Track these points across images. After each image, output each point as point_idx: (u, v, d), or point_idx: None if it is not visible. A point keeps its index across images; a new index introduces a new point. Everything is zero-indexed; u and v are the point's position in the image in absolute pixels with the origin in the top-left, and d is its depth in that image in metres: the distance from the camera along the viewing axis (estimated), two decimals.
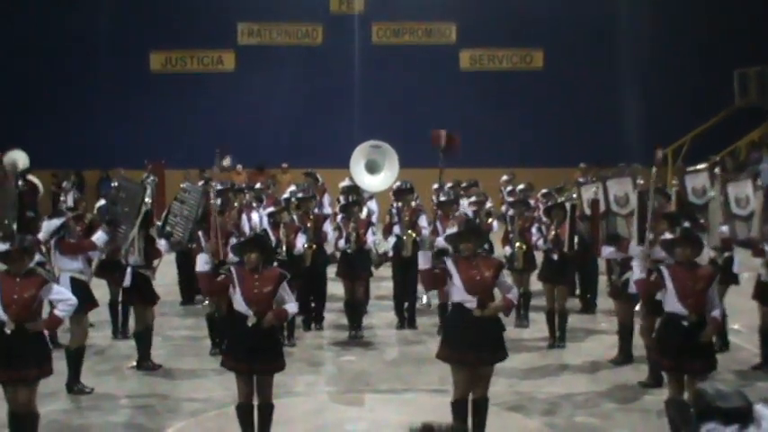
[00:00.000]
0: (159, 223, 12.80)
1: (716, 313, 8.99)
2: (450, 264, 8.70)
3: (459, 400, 8.69)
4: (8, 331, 8.25)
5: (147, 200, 11.69)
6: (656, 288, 9.05)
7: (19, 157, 14.59)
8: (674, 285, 8.85)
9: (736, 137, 27.58)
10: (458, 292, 8.60)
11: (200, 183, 14.38)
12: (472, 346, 8.50)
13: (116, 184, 12.39)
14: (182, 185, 12.76)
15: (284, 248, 13.02)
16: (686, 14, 28.55)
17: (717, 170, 12.66)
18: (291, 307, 8.86)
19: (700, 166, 12.76)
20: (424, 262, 8.84)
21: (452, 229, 9.51)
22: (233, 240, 13.00)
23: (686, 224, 9.78)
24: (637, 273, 9.57)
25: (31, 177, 14.78)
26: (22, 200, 11.53)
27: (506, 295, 8.76)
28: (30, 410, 8.55)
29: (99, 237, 11.23)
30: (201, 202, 12.52)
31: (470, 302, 8.53)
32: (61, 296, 8.71)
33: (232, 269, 8.81)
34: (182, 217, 12.43)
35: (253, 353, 8.52)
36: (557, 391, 10.98)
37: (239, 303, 8.61)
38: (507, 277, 9.20)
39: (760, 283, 11.69)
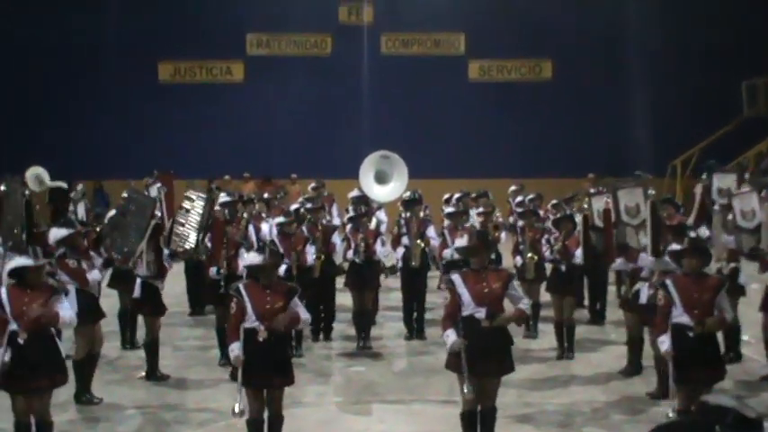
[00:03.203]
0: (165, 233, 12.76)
1: (726, 315, 8.98)
2: (458, 280, 8.67)
3: (467, 411, 8.66)
4: (21, 341, 8.32)
5: (156, 213, 11.72)
6: (669, 308, 8.99)
7: (42, 173, 14.70)
8: (679, 296, 8.85)
9: (744, 148, 27.53)
10: (467, 305, 8.56)
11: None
12: (480, 357, 8.45)
13: (126, 195, 12.42)
14: (186, 193, 12.76)
15: (295, 259, 13.06)
16: (694, 25, 28.53)
17: (747, 175, 12.64)
18: (304, 314, 8.89)
19: (729, 167, 12.72)
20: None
21: (462, 241, 9.42)
22: (242, 251, 13.04)
23: (692, 234, 9.77)
24: (666, 344, 9.03)
25: (56, 183, 14.85)
26: (30, 210, 11.53)
27: (518, 306, 8.77)
28: (44, 419, 8.63)
29: (93, 275, 11.20)
30: (207, 209, 12.54)
31: (479, 313, 8.51)
32: (65, 311, 8.72)
33: (241, 288, 8.69)
34: (189, 226, 12.44)
35: (264, 368, 8.49)
36: (566, 403, 10.96)
37: (250, 320, 8.53)
38: (518, 288, 9.10)
39: None
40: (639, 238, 11.22)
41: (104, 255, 11.69)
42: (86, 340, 11.04)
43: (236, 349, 8.53)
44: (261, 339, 8.46)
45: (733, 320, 11.04)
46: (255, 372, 8.50)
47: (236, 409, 8.43)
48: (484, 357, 8.48)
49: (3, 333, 8.34)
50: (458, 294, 8.60)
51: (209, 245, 13.15)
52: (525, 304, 8.93)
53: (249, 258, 9.06)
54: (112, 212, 13.37)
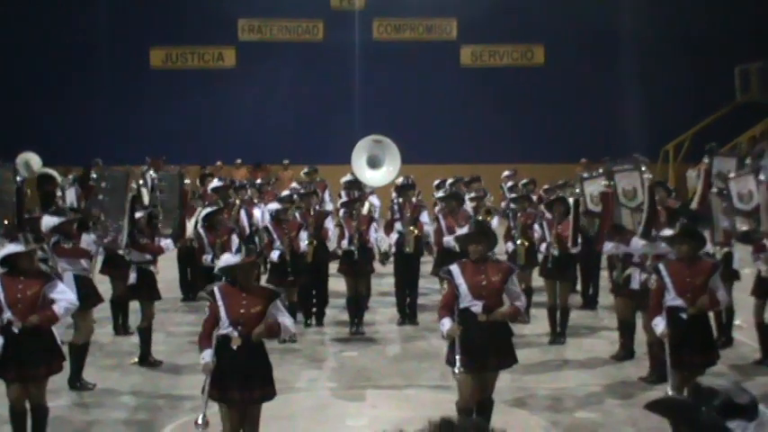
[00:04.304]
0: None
1: (719, 294, 9.00)
2: (456, 271, 8.46)
3: (464, 408, 8.41)
4: (16, 330, 8.32)
5: (132, 185, 11.72)
6: (662, 292, 9.00)
7: (31, 158, 14.69)
8: (671, 281, 8.87)
9: (737, 133, 27.56)
10: (464, 297, 8.37)
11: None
12: (478, 352, 8.28)
13: (95, 175, 12.38)
14: (154, 175, 12.75)
15: (288, 245, 13.10)
16: (687, 10, 28.52)
17: (748, 161, 12.66)
18: (288, 319, 8.01)
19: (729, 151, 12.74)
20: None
21: (462, 230, 9.13)
22: (234, 237, 13.09)
23: (684, 219, 9.79)
24: (661, 326, 9.01)
25: (45, 169, 14.84)
26: (21, 197, 11.51)
27: (514, 303, 8.53)
28: (40, 405, 8.66)
29: (88, 242, 11.19)
30: (177, 186, 12.54)
31: (476, 307, 8.34)
32: (63, 295, 8.70)
33: (215, 290, 7.84)
34: (167, 207, 12.46)
35: (241, 379, 7.69)
36: (558, 387, 11.00)
37: (224, 325, 7.72)
38: (517, 283, 8.82)
39: (760, 278, 11.69)
40: (635, 221, 11.20)
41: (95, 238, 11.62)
42: (87, 325, 11.05)
43: (206, 356, 7.67)
44: (234, 347, 7.66)
45: (727, 304, 11.05)
46: (230, 384, 7.69)
47: (200, 421, 7.62)
48: (482, 352, 8.31)
49: None
50: (455, 285, 8.40)
51: (201, 232, 13.20)
52: (522, 302, 8.71)
53: (224, 259, 8.25)
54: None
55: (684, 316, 8.82)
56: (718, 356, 9.22)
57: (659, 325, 8.88)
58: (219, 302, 7.73)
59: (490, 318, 8.33)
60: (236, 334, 7.66)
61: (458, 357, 8.18)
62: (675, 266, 8.96)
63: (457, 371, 8.20)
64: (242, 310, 7.70)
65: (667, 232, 9.83)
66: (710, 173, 12.47)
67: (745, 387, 3.61)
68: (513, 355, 8.60)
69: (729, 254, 12.20)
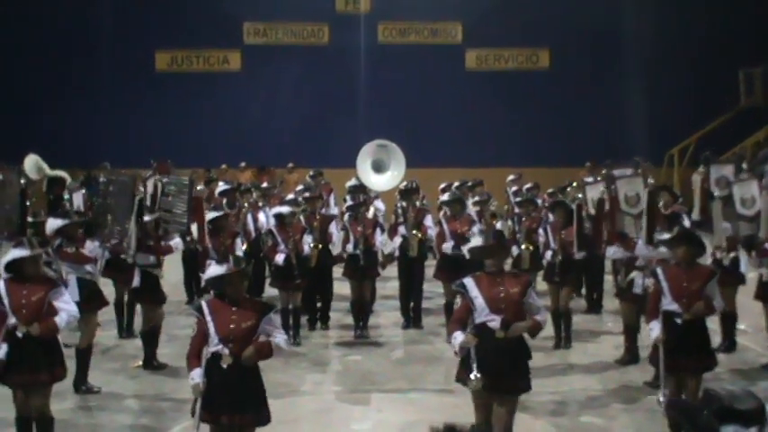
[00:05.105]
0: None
1: (715, 301, 8.97)
2: (470, 284, 7.98)
3: (481, 424, 7.92)
4: (20, 335, 8.29)
5: (140, 188, 11.76)
6: (659, 296, 8.97)
7: (41, 161, 14.75)
8: (668, 285, 8.85)
9: (741, 137, 27.52)
10: (480, 312, 7.89)
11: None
12: (492, 371, 7.72)
13: (104, 179, 12.41)
14: (163, 179, 12.76)
15: (293, 248, 13.13)
16: (691, 14, 28.48)
17: (744, 165, 12.68)
18: (280, 340, 7.50)
19: (725, 158, 12.78)
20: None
21: (476, 240, 8.57)
22: (238, 241, 13.10)
23: (685, 223, 9.79)
24: (656, 331, 8.90)
25: (56, 172, 14.89)
26: (24, 200, 11.53)
27: (535, 317, 8.04)
28: (44, 414, 8.58)
29: (92, 249, 11.20)
30: (187, 191, 12.57)
31: (494, 322, 7.85)
32: (66, 305, 8.64)
33: (203, 305, 7.46)
34: (174, 212, 12.49)
35: (231, 401, 7.25)
36: (562, 391, 10.98)
37: (213, 342, 7.29)
38: (536, 297, 8.36)
39: (762, 283, 11.69)
40: (638, 227, 11.22)
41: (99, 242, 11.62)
42: (91, 328, 11.06)
43: (196, 377, 7.23)
44: (225, 366, 7.22)
45: (724, 309, 11.00)
46: (220, 407, 7.24)
47: None
48: (496, 371, 7.78)
49: (1, 327, 8.29)
50: (470, 299, 7.91)
51: (208, 239, 13.19)
52: (543, 317, 8.17)
53: (210, 271, 7.73)
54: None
55: (679, 321, 8.79)
56: (716, 362, 9.14)
57: (654, 329, 8.85)
58: (208, 318, 7.32)
59: (509, 333, 7.84)
60: (226, 351, 7.22)
61: (474, 366, 7.63)
62: (673, 271, 8.95)
63: (473, 377, 7.61)
64: (232, 326, 7.27)
65: (665, 236, 9.84)
66: (708, 181, 12.49)
67: (754, 394, 3.61)
68: (528, 378, 8.07)
69: (737, 258, 12.20)
